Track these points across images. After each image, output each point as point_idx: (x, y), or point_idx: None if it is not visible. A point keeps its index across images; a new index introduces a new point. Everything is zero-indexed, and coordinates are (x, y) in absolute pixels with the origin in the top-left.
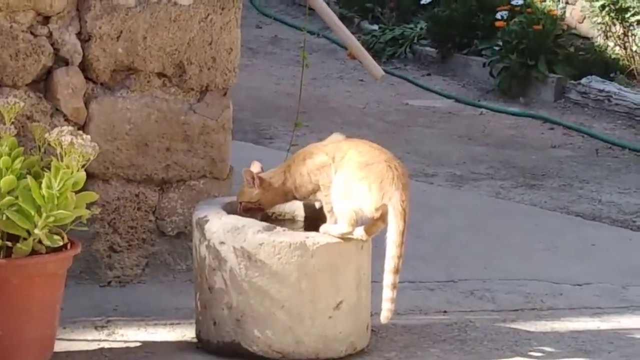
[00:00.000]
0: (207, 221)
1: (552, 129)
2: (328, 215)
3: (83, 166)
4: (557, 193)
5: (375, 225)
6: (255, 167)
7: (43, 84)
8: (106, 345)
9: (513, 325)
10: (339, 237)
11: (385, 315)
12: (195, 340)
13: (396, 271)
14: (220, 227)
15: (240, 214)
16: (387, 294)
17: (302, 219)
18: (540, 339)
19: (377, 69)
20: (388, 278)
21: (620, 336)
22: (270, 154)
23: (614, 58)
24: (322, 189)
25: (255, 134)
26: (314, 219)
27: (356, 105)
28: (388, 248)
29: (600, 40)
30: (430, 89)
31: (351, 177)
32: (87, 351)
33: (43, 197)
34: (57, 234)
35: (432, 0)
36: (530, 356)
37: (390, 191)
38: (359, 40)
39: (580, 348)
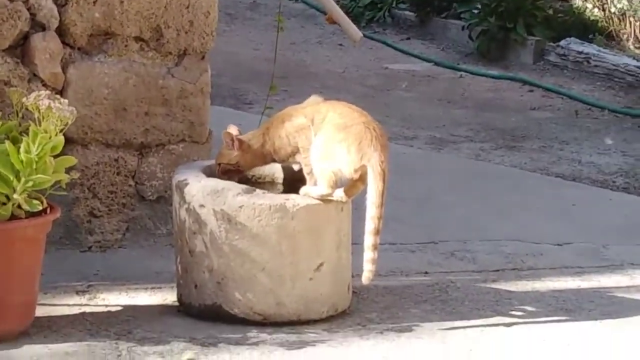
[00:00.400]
0: (186, 184)
1: (531, 91)
2: (307, 177)
3: (61, 130)
4: (537, 154)
5: (354, 186)
6: (233, 130)
7: (20, 50)
8: (87, 309)
9: (494, 286)
10: (319, 199)
11: (366, 276)
12: (176, 303)
13: (376, 232)
14: (200, 190)
15: (218, 177)
16: (368, 255)
17: (282, 181)
18: (521, 298)
19: (355, 31)
20: (369, 239)
21: (601, 294)
22: (249, 119)
23: (593, 20)
24: (301, 152)
25: (234, 99)
26: (294, 181)
27: (335, 70)
28: (368, 209)
29: (578, 2)
30: (410, 52)
31: (330, 139)
32: (68, 316)
33: (21, 161)
34: (36, 198)
35: None
36: (512, 315)
37: (369, 152)
38: (337, 4)
39: (561, 307)
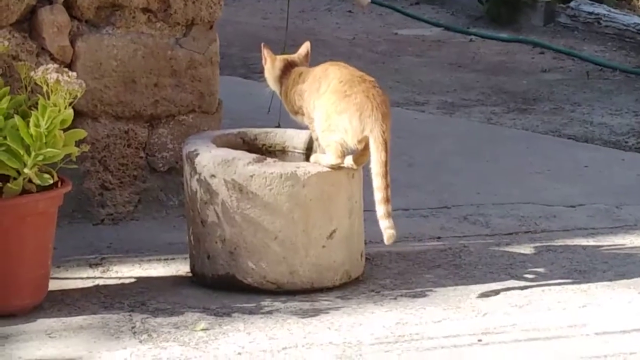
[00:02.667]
0: (197, 155)
1: (542, 53)
2: (315, 144)
3: (70, 104)
4: (549, 117)
5: (363, 155)
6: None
7: (27, 24)
8: (101, 282)
9: (507, 249)
10: (329, 167)
11: (388, 235)
12: (189, 274)
13: (386, 200)
14: (211, 160)
15: None
16: (384, 223)
17: (293, 149)
18: (534, 261)
19: None
20: (380, 209)
21: (615, 255)
22: (259, 88)
23: None
24: (305, 117)
25: (245, 68)
26: (307, 150)
27: (345, 37)
28: (374, 180)
29: None
30: (419, 17)
31: (331, 110)
32: (82, 289)
33: (31, 135)
34: (47, 172)
35: None
36: (525, 278)
37: (370, 123)
38: None
39: (575, 268)
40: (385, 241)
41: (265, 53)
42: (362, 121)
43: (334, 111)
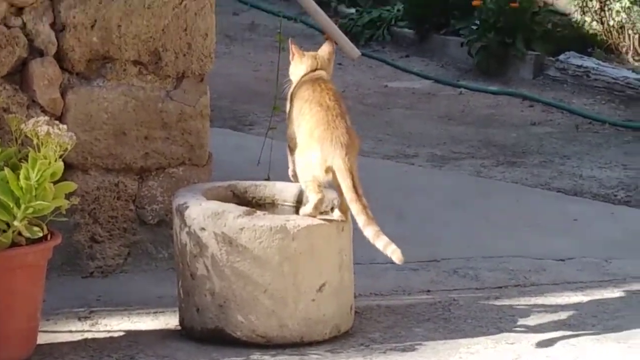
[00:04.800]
0: (187, 207)
1: (531, 106)
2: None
3: (61, 156)
4: (538, 170)
5: (344, 200)
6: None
7: (18, 76)
8: (90, 335)
9: (497, 302)
10: (314, 211)
11: (395, 254)
12: (179, 327)
13: (370, 221)
14: (201, 213)
15: None
16: (380, 243)
17: (283, 202)
18: (524, 314)
19: (353, 49)
20: (368, 232)
21: (604, 309)
22: (249, 140)
23: (592, 33)
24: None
25: (235, 120)
26: (297, 203)
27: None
28: (351, 209)
29: (577, 16)
30: (409, 70)
31: (302, 146)
32: (71, 342)
33: (21, 188)
34: (36, 225)
35: None
36: (515, 332)
37: (331, 153)
38: (336, 23)
39: (564, 322)
40: (397, 261)
41: (293, 48)
42: (323, 152)
43: (305, 147)
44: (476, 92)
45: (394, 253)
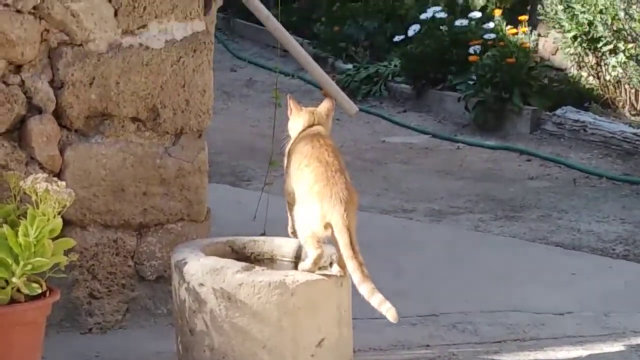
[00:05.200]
0: (185, 263)
1: (529, 160)
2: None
3: (59, 213)
4: (536, 224)
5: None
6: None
7: (17, 133)
8: None
9: (496, 357)
10: (313, 267)
11: (391, 315)
12: None
13: (365, 279)
14: (199, 269)
15: None
16: (375, 300)
17: (281, 258)
18: None
19: (351, 105)
20: (363, 289)
21: None
22: (248, 195)
23: (588, 88)
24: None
25: (233, 176)
26: (296, 258)
27: None
28: (346, 265)
29: (573, 71)
30: (406, 125)
31: (301, 202)
32: None
33: (20, 245)
34: (35, 281)
35: (405, 37)
36: None
37: (329, 210)
38: (333, 79)
39: None
40: (392, 319)
41: (291, 103)
42: (322, 209)
43: (304, 203)
44: (473, 146)
45: (389, 311)
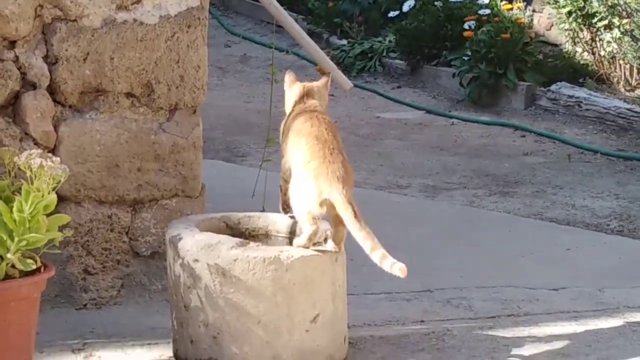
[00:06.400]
0: (180, 239)
1: (523, 136)
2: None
3: (54, 189)
4: (531, 200)
5: (339, 231)
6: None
7: (11, 109)
8: None
9: (490, 332)
10: (308, 242)
11: (399, 268)
12: (173, 359)
13: (376, 246)
14: (194, 245)
15: None
16: (387, 263)
17: (276, 233)
18: (518, 344)
19: (345, 81)
20: (375, 256)
21: (598, 339)
22: (242, 171)
23: (583, 64)
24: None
25: (228, 152)
26: (290, 234)
27: None
28: (356, 237)
29: (568, 47)
30: (401, 101)
31: (297, 178)
32: None
33: (14, 221)
34: (30, 257)
35: (400, 12)
36: None
37: (326, 187)
38: (328, 55)
39: (558, 352)
40: (400, 274)
41: (287, 77)
42: (319, 186)
43: (299, 179)
44: (468, 122)
45: (394, 269)
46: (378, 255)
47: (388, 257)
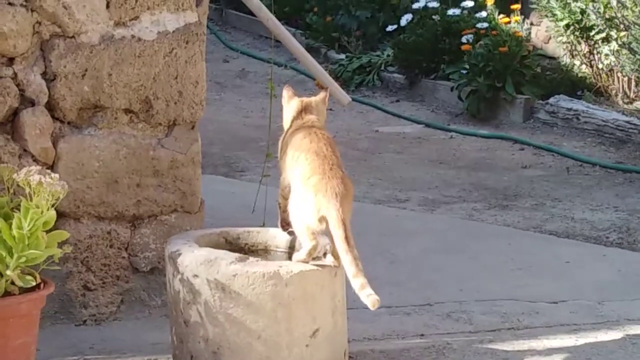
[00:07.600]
0: (179, 255)
1: (522, 149)
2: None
3: (53, 205)
4: (530, 212)
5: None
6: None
7: (10, 126)
8: None
9: (490, 346)
10: (307, 257)
11: (372, 301)
12: None
13: (358, 273)
14: (193, 260)
15: None
16: (364, 294)
17: (275, 249)
18: (518, 358)
19: (343, 95)
20: (355, 282)
21: (598, 352)
22: (241, 187)
23: (581, 76)
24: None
25: (227, 167)
26: (290, 249)
27: None
28: (341, 258)
29: (566, 60)
30: (400, 115)
31: (296, 194)
32: None
33: (14, 237)
34: (29, 274)
35: (398, 27)
36: None
37: (324, 203)
38: (326, 69)
39: None
40: (370, 307)
41: (285, 92)
42: (317, 202)
43: (299, 195)
44: (467, 136)
45: (368, 300)
46: (358, 283)
47: (367, 287)
